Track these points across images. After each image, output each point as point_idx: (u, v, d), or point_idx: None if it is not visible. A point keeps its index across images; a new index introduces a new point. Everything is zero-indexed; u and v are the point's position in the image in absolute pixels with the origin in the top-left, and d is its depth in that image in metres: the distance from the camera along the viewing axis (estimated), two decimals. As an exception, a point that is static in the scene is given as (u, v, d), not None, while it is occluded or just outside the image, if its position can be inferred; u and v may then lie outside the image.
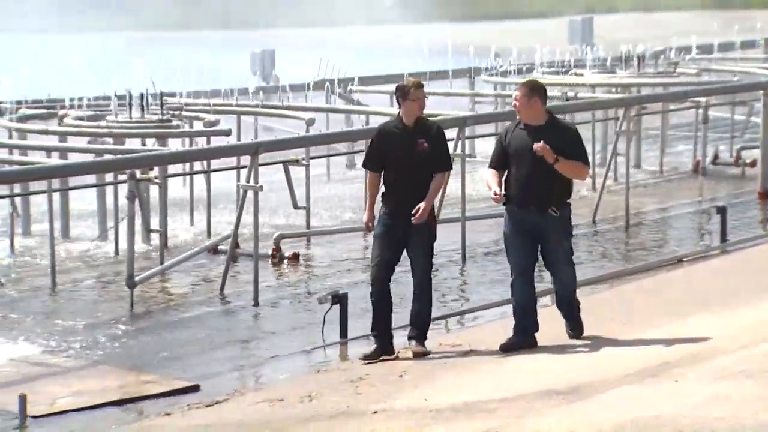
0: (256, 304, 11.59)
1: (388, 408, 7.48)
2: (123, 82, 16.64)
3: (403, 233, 9.06)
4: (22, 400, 8.37)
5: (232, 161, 15.35)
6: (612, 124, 18.48)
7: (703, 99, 18.60)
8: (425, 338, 9.20)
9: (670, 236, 15.29)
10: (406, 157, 9.01)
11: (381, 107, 20.06)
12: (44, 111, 18.12)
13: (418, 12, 31.71)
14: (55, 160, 14.05)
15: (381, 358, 9.07)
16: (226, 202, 16.01)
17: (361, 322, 10.17)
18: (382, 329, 9.18)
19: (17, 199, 14.85)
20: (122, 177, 12.64)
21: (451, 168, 9.41)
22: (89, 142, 14.88)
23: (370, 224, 9.25)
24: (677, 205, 17.36)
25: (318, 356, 9.81)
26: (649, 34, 36.47)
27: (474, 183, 15.82)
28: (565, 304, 8.97)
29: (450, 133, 15.00)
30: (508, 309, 9.56)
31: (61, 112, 17.12)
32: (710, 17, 33.18)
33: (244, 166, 13.20)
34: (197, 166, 15.46)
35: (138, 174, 12.12)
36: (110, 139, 14.75)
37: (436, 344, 9.45)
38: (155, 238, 13.74)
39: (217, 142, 15.48)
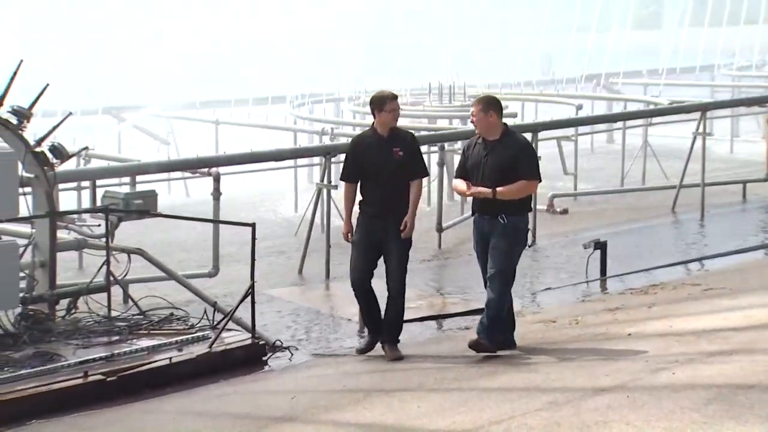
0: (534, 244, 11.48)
1: (640, 332, 7.27)
2: (435, 74, 16.93)
3: (379, 239, 7.44)
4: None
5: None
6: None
7: None
8: (398, 341, 7.63)
9: None
10: (383, 166, 7.37)
11: (636, 95, 19.57)
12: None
13: (671, 19, 30.53)
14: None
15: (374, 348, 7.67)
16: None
17: (616, 263, 9.93)
18: (372, 324, 7.73)
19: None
20: (434, 148, 12.80)
21: (427, 174, 7.71)
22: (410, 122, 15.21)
23: (349, 235, 7.54)
24: None
25: (582, 289, 9.65)
26: None
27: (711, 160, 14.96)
28: (487, 323, 7.07)
29: (694, 116, 14.35)
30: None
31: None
32: None
33: (527, 141, 13.09)
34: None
35: (445, 146, 12.29)
36: (426, 120, 15.02)
37: (676, 280, 9.07)
38: (457, 195, 13.87)
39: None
